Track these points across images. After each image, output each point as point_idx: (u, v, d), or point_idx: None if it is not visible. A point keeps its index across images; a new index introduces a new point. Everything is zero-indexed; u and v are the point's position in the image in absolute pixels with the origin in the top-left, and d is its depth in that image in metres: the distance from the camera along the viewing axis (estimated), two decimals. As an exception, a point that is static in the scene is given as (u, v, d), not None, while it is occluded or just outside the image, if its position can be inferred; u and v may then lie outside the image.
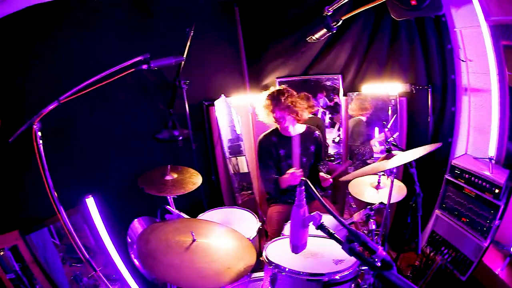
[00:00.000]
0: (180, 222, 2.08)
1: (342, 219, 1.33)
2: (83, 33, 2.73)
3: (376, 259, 1.13)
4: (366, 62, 3.78)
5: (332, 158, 4.14)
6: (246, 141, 4.01)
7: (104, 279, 2.51)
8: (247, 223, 2.75)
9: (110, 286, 2.59)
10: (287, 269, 1.79)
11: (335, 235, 1.30)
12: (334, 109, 4.10)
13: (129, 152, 3.15)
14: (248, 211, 2.89)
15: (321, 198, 1.37)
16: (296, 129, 3.12)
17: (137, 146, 3.22)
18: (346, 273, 1.78)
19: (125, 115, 3.11)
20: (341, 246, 1.23)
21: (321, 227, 1.35)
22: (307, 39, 3.02)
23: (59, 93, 1.86)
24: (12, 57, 2.42)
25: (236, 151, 3.94)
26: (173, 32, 3.12)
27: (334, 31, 2.82)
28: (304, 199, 1.43)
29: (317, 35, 2.91)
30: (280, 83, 3.94)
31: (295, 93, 3.06)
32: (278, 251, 2.04)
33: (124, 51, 2.45)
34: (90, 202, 2.74)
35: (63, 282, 2.74)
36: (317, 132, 3.21)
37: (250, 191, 4.05)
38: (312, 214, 1.40)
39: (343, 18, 2.77)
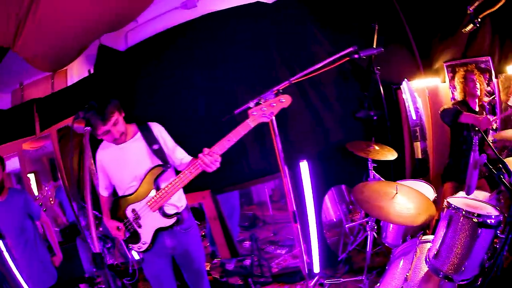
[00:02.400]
0: (382, 182, 2.97)
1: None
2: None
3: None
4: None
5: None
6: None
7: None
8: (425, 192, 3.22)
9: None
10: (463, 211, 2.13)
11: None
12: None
13: (334, 127, 3.92)
14: (428, 183, 3.29)
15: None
16: None
17: (339, 123, 3.97)
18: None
19: (329, 99, 3.92)
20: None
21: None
22: (461, 30, 3.43)
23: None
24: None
25: (413, 136, 4.37)
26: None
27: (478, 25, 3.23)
28: (477, 146, 2.03)
29: (467, 28, 3.32)
30: (447, 66, 4.34)
31: None
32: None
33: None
34: (304, 165, 3.53)
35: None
36: None
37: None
38: (481, 155, 2.01)
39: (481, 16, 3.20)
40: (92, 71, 4.51)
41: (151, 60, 4.09)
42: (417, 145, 4.38)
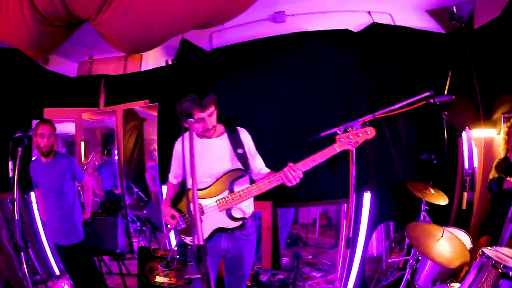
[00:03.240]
0: (431, 225, 3.12)
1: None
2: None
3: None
4: None
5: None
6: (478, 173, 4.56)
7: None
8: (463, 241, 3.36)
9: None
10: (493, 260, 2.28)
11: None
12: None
13: (397, 164, 4.09)
14: (467, 234, 3.39)
15: None
16: None
17: (403, 161, 4.15)
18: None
19: (398, 136, 4.11)
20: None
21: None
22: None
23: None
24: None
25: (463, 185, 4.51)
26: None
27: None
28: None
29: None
30: (504, 118, 4.43)
31: None
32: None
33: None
34: (367, 196, 3.69)
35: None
36: None
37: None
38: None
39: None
40: (170, 62, 4.67)
41: (233, 65, 4.24)
42: (465, 195, 4.53)
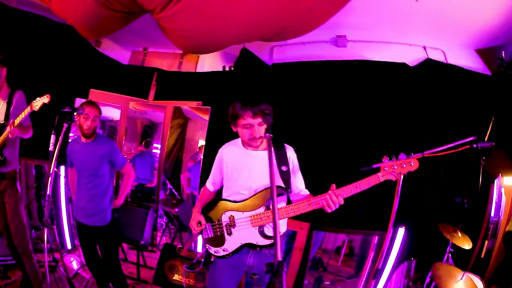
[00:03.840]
0: (453, 267, 3.39)
1: None
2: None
3: None
4: None
5: None
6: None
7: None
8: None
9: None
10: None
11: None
12: None
13: (433, 203, 4.17)
14: (482, 282, 3.41)
15: None
16: None
17: (438, 201, 4.19)
18: None
19: (437, 177, 4.15)
20: None
21: None
22: None
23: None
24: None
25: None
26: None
27: None
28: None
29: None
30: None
31: None
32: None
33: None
34: (401, 232, 3.78)
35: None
36: None
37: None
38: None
39: None
40: (227, 68, 4.75)
41: (291, 82, 4.32)
42: (486, 243, 4.55)
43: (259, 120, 2.29)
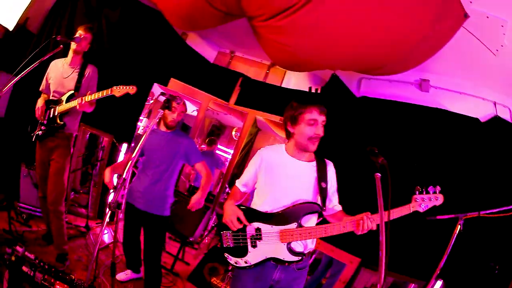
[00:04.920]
0: None
1: None
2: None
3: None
4: None
5: None
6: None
7: None
8: None
9: None
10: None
11: None
12: None
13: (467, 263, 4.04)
14: None
15: None
16: None
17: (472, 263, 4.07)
18: None
19: (476, 239, 4.00)
20: None
21: None
22: None
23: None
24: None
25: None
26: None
27: None
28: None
29: None
30: None
31: None
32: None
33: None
34: (438, 285, 3.71)
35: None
36: None
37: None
38: None
39: None
40: (313, 90, 4.81)
41: (373, 118, 4.35)
42: None
43: (323, 118, 2.25)
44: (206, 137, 5.67)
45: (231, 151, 5.32)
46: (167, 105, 2.66)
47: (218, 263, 4.16)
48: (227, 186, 5.25)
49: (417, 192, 2.21)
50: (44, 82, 3.49)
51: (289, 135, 2.38)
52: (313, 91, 4.82)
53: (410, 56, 3.73)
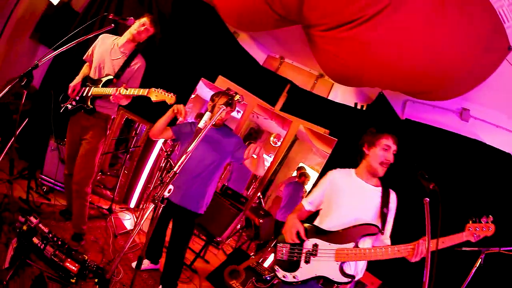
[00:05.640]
0: None
1: None
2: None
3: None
4: None
5: None
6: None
7: None
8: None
9: None
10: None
11: None
12: None
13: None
14: None
15: None
16: None
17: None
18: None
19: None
20: None
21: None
22: None
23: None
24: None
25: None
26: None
27: None
28: None
29: None
30: None
31: None
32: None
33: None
34: None
35: None
36: None
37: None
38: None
39: None
40: (358, 106, 4.77)
41: (413, 141, 4.31)
42: None
43: (395, 148, 2.45)
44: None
45: (267, 157, 5.26)
46: (230, 102, 2.50)
47: (239, 267, 4.13)
48: (260, 194, 5.22)
49: (470, 221, 2.24)
50: (89, 51, 3.30)
51: (362, 157, 2.55)
52: (358, 107, 4.78)
53: (457, 84, 3.78)
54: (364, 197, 2.44)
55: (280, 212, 5.14)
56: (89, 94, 3.12)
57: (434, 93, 4.05)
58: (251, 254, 4.30)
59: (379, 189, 2.48)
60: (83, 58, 3.33)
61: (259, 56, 5.90)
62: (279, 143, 5.50)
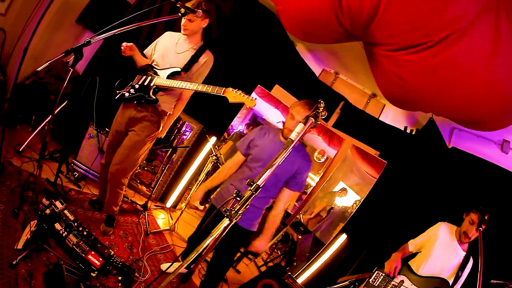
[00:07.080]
0: None
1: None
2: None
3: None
4: None
5: None
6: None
7: None
8: None
9: None
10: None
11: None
12: None
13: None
14: None
15: None
16: None
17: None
18: None
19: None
20: None
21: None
22: None
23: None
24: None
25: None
26: None
27: None
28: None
29: None
30: None
31: None
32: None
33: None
34: None
35: None
36: None
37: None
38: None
39: None
40: (408, 130, 4.72)
41: (456, 172, 4.33)
42: None
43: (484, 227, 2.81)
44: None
45: (310, 173, 5.22)
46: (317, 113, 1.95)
47: (274, 282, 4.11)
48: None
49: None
50: (152, 45, 3.23)
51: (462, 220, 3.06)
52: (408, 131, 4.71)
53: (507, 116, 3.66)
54: (451, 257, 2.94)
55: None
56: (152, 84, 2.96)
57: (486, 124, 3.90)
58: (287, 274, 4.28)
59: (463, 254, 2.95)
60: (144, 51, 3.23)
61: (315, 69, 5.81)
62: (322, 160, 5.45)
